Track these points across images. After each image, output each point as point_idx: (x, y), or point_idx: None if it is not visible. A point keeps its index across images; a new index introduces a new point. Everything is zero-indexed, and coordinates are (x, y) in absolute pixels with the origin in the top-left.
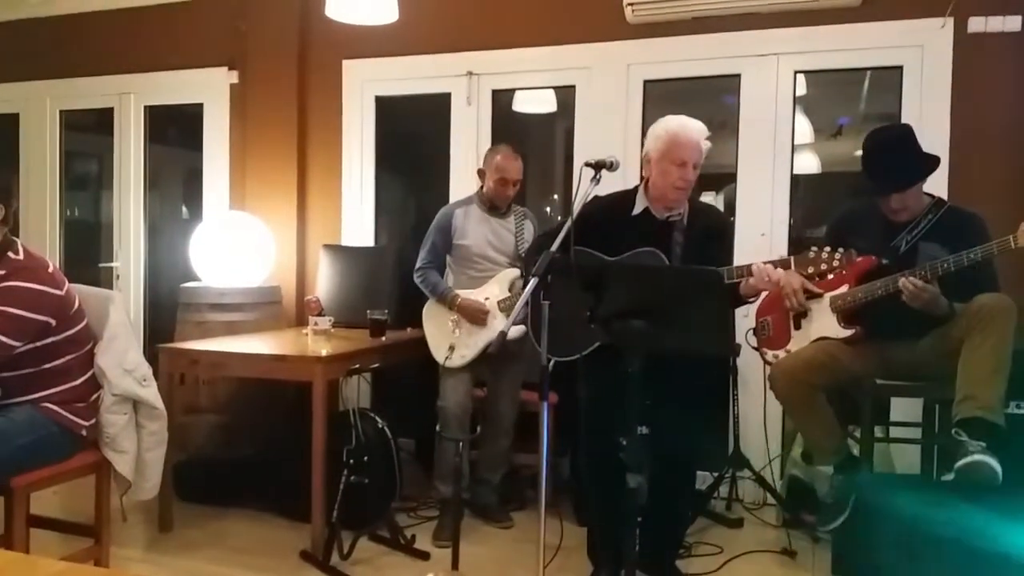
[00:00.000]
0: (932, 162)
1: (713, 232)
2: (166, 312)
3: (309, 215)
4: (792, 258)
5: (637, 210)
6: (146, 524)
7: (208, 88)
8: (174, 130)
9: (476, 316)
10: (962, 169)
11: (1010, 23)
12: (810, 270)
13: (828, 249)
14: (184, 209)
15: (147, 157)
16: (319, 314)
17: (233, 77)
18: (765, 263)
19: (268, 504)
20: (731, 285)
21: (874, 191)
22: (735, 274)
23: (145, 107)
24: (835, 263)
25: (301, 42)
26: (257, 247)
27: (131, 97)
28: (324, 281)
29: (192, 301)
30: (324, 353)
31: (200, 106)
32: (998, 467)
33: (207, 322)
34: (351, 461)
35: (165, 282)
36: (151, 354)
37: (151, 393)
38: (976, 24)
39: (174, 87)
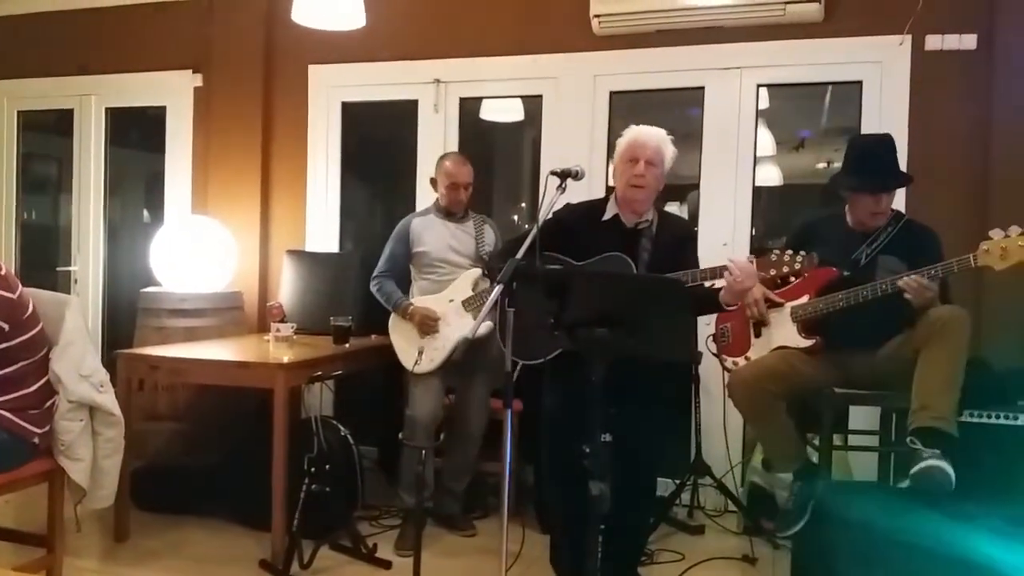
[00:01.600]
0: (907, 175)
1: (681, 240)
2: (125, 317)
3: (273, 220)
4: (754, 260)
5: (607, 216)
6: (101, 533)
7: (171, 91)
8: (136, 133)
9: (424, 323)
10: (918, 184)
11: (966, 41)
12: (772, 272)
13: (790, 252)
14: (145, 213)
15: (108, 160)
16: (281, 320)
17: (197, 80)
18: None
19: (227, 513)
20: (710, 294)
21: (860, 189)
22: (707, 275)
23: (106, 109)
24: (797, 265)
25: (267, 46)
26: (219, 252)
27: (92, 99)
28: (287, 287)
29: (152, 306)
30: (286, 360)
31: (163, 109)
32: (951, 471)
33: (167, 328)
34: (312, 469)
35: (125, 287)
36: (110, 360)
37: (108, 399)
38: (933, 42)
39: (137, 89)
